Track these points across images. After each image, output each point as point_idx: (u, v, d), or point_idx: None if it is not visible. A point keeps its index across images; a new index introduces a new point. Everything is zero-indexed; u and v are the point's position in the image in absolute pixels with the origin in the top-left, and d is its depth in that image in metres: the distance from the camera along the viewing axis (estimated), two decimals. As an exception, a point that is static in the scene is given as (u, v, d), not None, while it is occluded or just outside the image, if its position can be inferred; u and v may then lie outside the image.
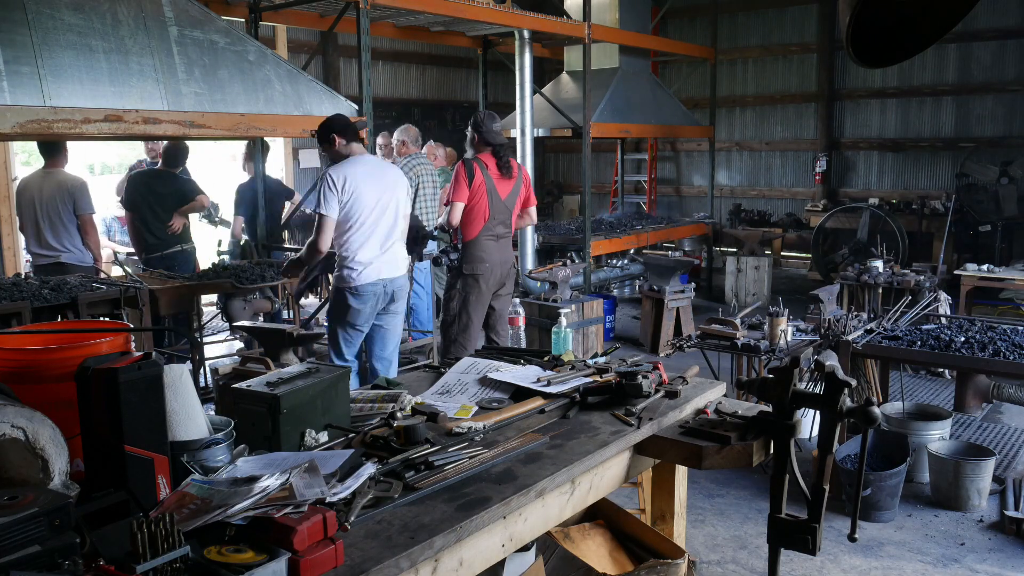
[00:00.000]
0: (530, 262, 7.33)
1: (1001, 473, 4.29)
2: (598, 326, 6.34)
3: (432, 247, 5.96)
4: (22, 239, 6.17)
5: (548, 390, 2.51)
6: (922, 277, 6.64)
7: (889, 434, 4.32)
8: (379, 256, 4.17)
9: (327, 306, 4.46)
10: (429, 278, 6.60)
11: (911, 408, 4.63)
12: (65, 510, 1.37)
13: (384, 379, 2.77)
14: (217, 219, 7.12)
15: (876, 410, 2.10)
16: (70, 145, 5.75)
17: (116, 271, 6.65)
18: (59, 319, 4.36)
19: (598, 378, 2.60)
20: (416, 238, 4.80)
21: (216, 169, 12.45)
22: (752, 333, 4.87)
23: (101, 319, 4.35)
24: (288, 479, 1.68)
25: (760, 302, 7.33)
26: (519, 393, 2.52)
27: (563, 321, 3.07)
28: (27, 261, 6.51)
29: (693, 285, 7.83)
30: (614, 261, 9.03)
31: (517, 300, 3.38)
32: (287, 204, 7.41)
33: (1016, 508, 3.90)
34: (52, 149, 5.45)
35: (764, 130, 12.25)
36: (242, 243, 6.66)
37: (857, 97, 11.40)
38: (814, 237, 10.39)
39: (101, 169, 15.80)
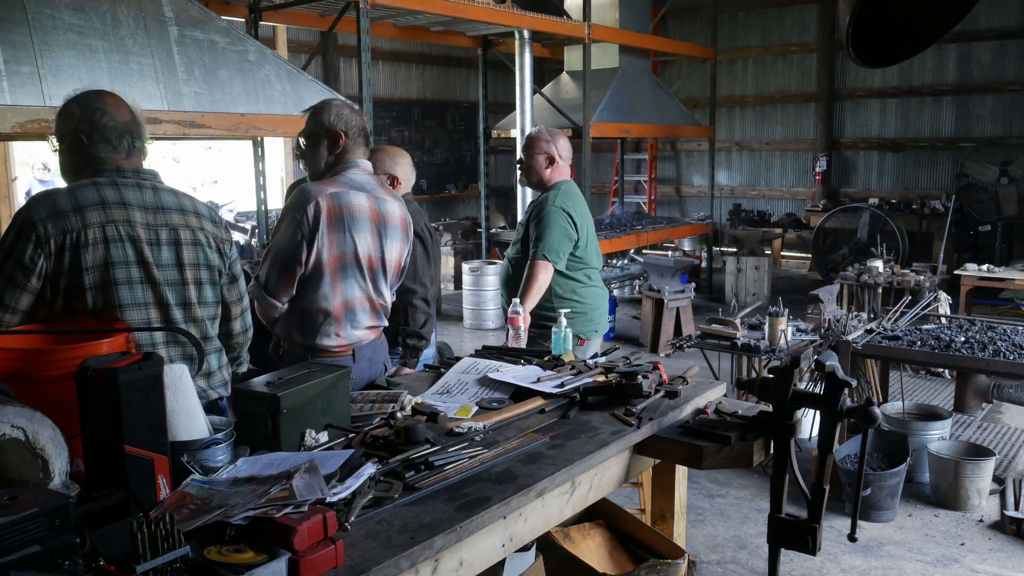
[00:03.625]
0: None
1: (1001, 473, 4.29)
2: (598, 326, 6.33)
3: None
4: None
5: (548, 390, 2.50)
6: (922, 277, 6.64)
7: (889, 434, 4.32)
8: None
9: None
10: None
11: (911, 408, 4.64)
12: (65, 510, 1.37)
13: (384, 379, 2.77)
14: None
15: (876, 410, 2.10)
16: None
17: None
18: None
19: (598, 378, 2.60)
20: None
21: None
22: (752, 333, 4.87)
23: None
24: (288, 479, 1.68)
25: (760, 302, 7.34)
26: (519, 393, 2.52)
27: (563, 321, 3.06)
28: None
29: (693, 285, 7.83)
30: (614, 261, 9.03)
31: (517, 300, 3.37)
32: None
33: (1016, 508, 3.90)
34: None
35: (764, 130, 12.25)
36: None
37: (857, 97, 11.41)
38: (814, 237, 10.40)
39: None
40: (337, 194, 2.67)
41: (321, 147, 2.78)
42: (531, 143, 3.76)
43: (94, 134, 2.18)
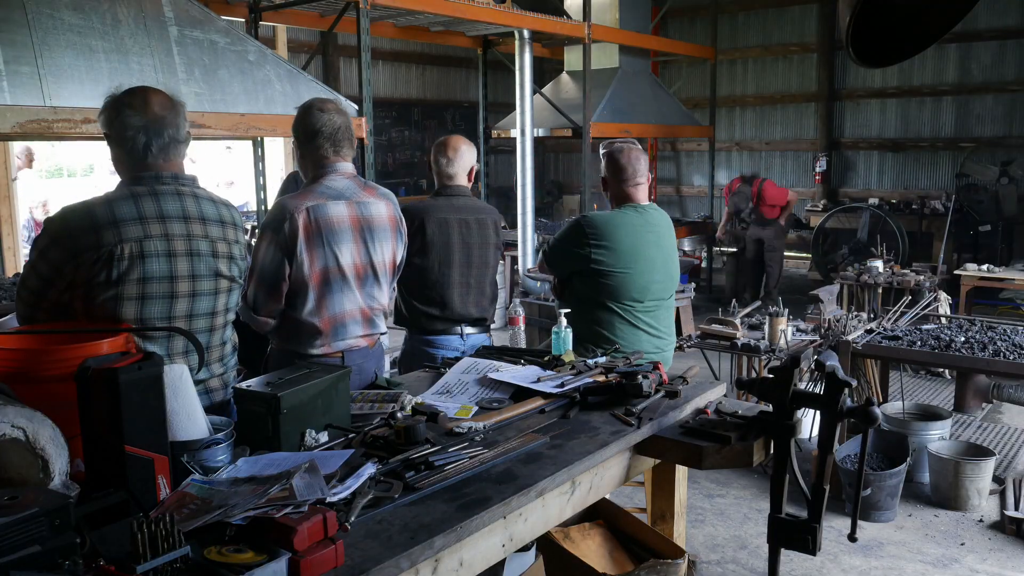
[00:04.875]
0: (530, 261, 7.32)
1: (1001, 473, 4.29)
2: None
3: None
4: (20, 238, 6.14)
5: (548, 390, 2.50)
6: (922, 277, 6.64)
7: (889, 434, 4.32)
8: None
9: None
10: None
11: (911, 408, 4.64)
12: (65, 510, 1.37)
13: (384, 379, 2.77)
14: None
15: (876, 410, 2.10)
16: (72, 145, 5.73)
17: None
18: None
19: (598, 378, 2.60)
20: None
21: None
22: (752, 333, 4.87)
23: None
24: (288, 479, 1.68)
25: (760, 302, 7.33)
26: (519, 393, 2.52)
27: (563, 321, 3.06)
28: None
29: (693, 285, 7.83)
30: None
31: (517, 300, 3.39)
32: None
33: (1016, 508, 3.90)
34: None
35: (764, 130, 12.25)
36: None
37: (857, 97, 11.40)
38: (814, 237, 10.40)
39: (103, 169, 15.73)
40: (314, 207, 2.62)
41: (300, 152, 2.76)
42: (604, 162, 3.40)
43: (115, 136, 2.17)
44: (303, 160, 2.78)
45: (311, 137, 2.70)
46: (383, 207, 2.82)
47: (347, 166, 2.76)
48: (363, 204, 2.75)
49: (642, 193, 3.33)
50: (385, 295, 2.88)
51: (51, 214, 2.16)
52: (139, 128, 2.14)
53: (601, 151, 3.41)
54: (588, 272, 3.22)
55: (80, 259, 2.04)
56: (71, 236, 2.05)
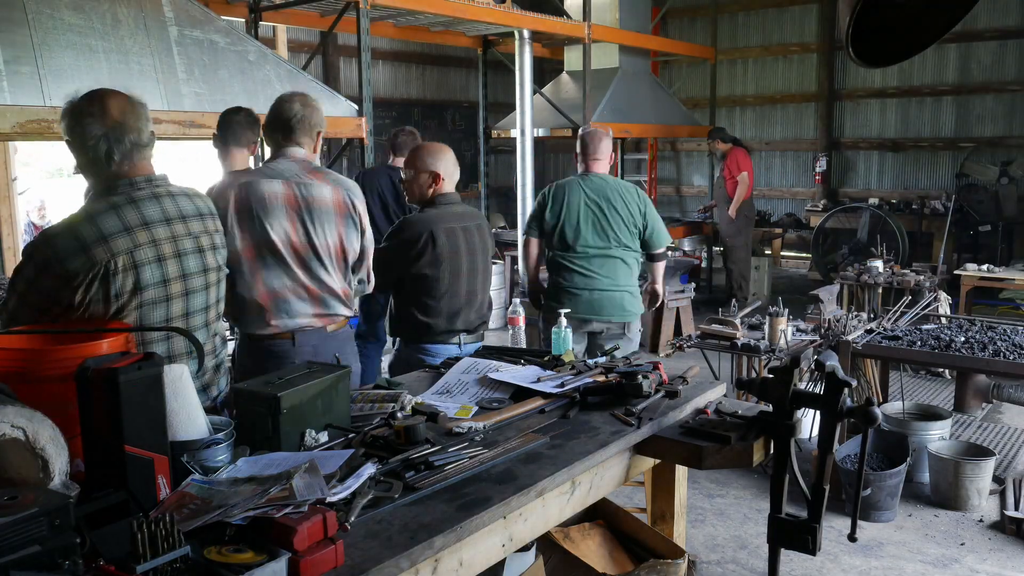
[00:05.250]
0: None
1: (1001, 473, 4.29)
2: (598, 326, 6.31)
3: None
4: (19, 239, 6.12)
5: (548, 390, 2.51)
6: (922, 277, 6.63)
7: (889, 434, 4.32)
8: None
9: None
10: None
11: (911, 408, 4.63)
12: (65, 510, 1.37)
13: (385, 379, 2.77)
14: None
15: (876, 410, 2.10)
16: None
17: None
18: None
19: (598, 378, 2.60)
20: None
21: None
22: (752, 333, 4.87)
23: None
24: (288, 479, 1.68)
25: (760, 302, 7.34)
26: (519, 393, 2.52)
27: (563, 321, 3.06)
28: None
29: (693, 285, 7.83)
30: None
31: (517, 300, 3.39)
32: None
33: (1016, 508, 3.90)
34: None
35: (764, 130, 12.24)
36: None
37: (857, 97, 11.40)
38: (814, 237, 10.39)
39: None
40: (247, 183, 2.74)
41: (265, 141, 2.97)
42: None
43: (76, 144, 2.14)
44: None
45: (265, 126, 2.91)
46: (328, 191, 2.84)
47: (297, 151, 2.86)
48: (304, 185, 2.80)
49: (599, 167, 4.26)
50: (337, 279, 2.86)
51: (32, 239, 2.13)
52: (99, 137, 2.11)
53: (583, 134, 4.31)
54: (544, 230, 4.23)
55: (75, 282, 2.03)
56: (60, 260, 2.02)
